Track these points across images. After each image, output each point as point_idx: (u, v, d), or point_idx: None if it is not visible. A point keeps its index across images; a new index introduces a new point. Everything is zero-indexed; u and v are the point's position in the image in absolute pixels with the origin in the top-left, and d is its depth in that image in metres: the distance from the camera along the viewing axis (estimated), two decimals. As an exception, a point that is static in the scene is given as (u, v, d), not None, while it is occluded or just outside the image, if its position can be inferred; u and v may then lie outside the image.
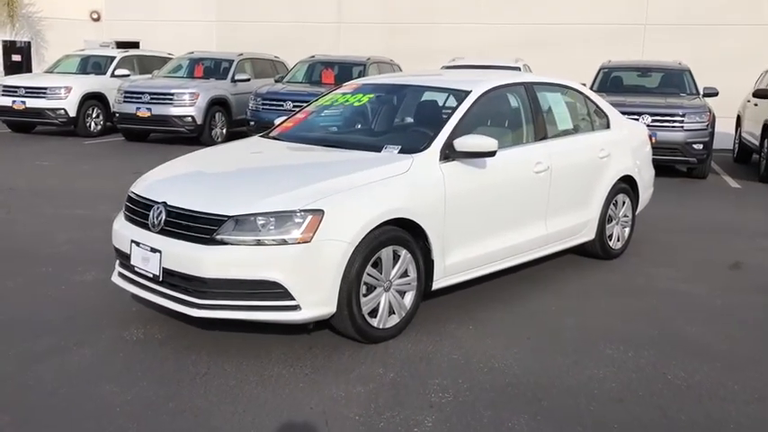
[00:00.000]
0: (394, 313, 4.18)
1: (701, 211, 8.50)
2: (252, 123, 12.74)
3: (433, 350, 4.07)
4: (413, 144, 4.53)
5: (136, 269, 4.11)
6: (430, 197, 4.30)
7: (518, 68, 12.83)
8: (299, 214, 3.78)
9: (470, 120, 4.74)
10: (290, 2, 18.49)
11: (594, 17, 16.24)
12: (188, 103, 13.24)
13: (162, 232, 4.00)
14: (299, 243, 3.74)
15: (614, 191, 5.94)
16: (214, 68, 14.67)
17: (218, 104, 13.69)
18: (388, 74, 6.58)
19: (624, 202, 6.16)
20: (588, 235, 5.78)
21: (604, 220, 5.88)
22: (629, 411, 3.41)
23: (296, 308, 3.78)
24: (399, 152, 4.46)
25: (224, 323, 4.13)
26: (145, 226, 4.12)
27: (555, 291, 5.23)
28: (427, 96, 5.21)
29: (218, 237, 3.79)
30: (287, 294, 3.75)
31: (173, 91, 13.33)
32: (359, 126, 5.30)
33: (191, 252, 3.82)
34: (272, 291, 3.75)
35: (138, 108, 13.31)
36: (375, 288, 4.06)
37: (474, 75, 5.97)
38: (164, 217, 4.01)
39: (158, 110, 13.26)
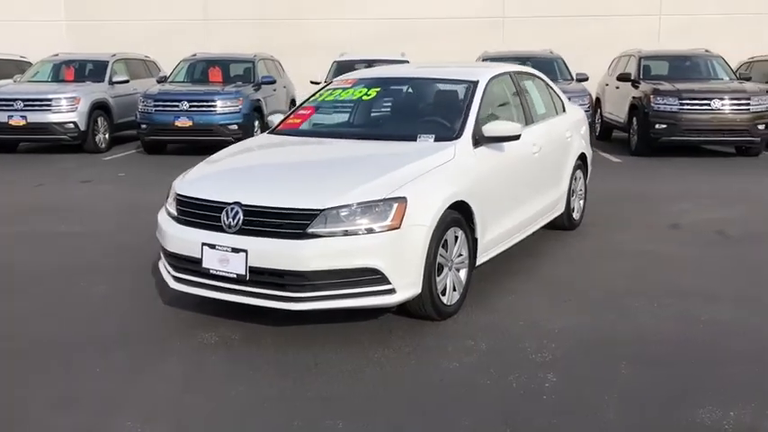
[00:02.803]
0: (455, 290, 4.49)
1: (610, 183, 9.43)
2: (144, 127, 12.21)
3: (498, 320, 4.42)
4: (443, 132, 4.85)
5: (211, 272, 4.07)
6: (472, 180, 4.64)
7: (407, 61, 13.39)
8: (387, 202, 3.98)
9: (483, 107, 5.13)
10: (149, -1, 17.78)
11: (460, 11, 17.14)
12: (68, 109, 12.41)
13: (241, 232, 4.01)
14: (390, 230, 3.94)
15: (575, 167, 6.60)
16: (87, 71, 13.84)
17: (99, 109, 12.96)
18: (378, 68, 6.78)
19: (580, 178, 6.85)
20: (560, 208, 6.39)
21: (570, 194, 6.52)
22: (689, 346, 3.99)
23: (391, 291, 3.97)
24: (435, 140, 4.76)
25: (296, 317, 4.23)
26: (215, 228, 4.09)
27: (554, 260, 5.76)
28: (435, 87, 5.53)
29: (311, 230, 3.89)
30: (384, 279, 3.93)
31: (50, 96, 12.43)
32: (377, 118, 5.49)
33: (285, 248, 3.88)
34: (369, 277, 3.92)
35: (10, 116, 12.28)
36: (443, 268, 4.34)
37: (463, 66, 6.36)
38: (241, 216, 4.02)
39: (35, 117, 12.31)
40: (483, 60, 13.28)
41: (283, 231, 3.94)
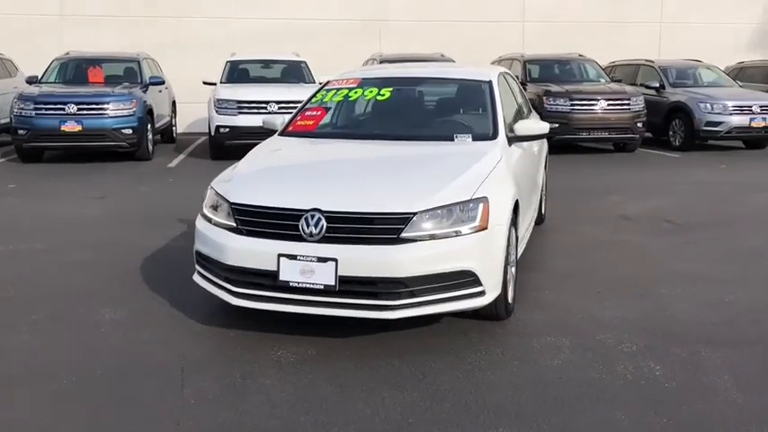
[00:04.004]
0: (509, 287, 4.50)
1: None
2: (22, 132, 10.96)
3: (555, 316, 4.48)
4: (479, 132, 4.85)
5: (291, 285, 3.78)
6: (517, 179, 4.68)
7: (304, 62, 13.19)
8: (474, 203, 3.91)
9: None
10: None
11: (338, 13, 17.08)
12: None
13: (325, 240, 3.76)
14: (480, 230, 3.88)
15: (545, 164, 6.86)
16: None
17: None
18: (380, 66, 6.57)
19: (545, 175, 7.12)
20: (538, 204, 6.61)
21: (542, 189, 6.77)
22: (740, 326, 4.31)
23: (482, 293, 3.91)
24: (473, 140, 4.75)
25: (359, 327, 4.05)
26: (291, 237, 3.80)
27: (548, 253, 5.96)
28: (449, 86, 5.50)
29: (405, 235, 3.74)
30: (476, 281, 3.86)
31: None
32: (403, 118, 5.31)
33: (380, 254, 3.69)
34: (463, 280, 3.83)
35: None
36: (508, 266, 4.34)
37: (459, 66, 6.36)
38: (324, 224, 3.77)
39: None
40: (227, 63, 12.89)
41: (375, 237, 3.75)
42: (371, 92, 5.30)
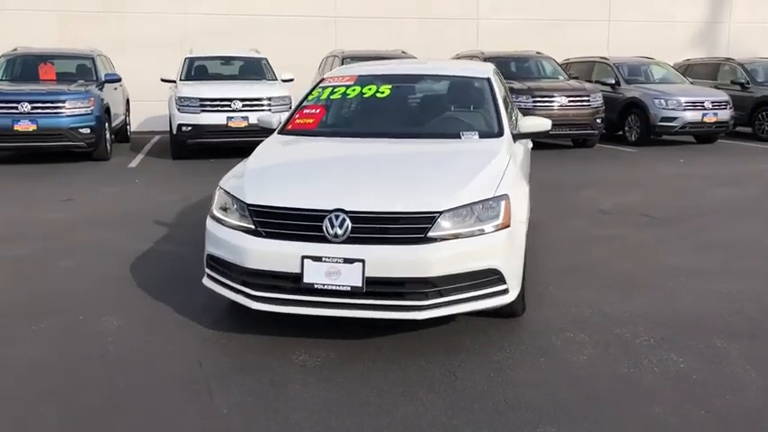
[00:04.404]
0: (522, 285, 4.52)
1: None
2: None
3: (566, 312, 4.51)
4: (484, 129, 4.86)
5: (315, 287, 3.69)
6: (523, 175, 4.70)
7: (265, 59, 13.00)
8: (496, 200, 3.89)
9: (500, 103, 5.21)
10: None
11: (291, 9, 16.87)
12: None
13: (350, 241, 3.69)
14: (503, 228, 3.87)
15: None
16: None
17: None
18: (372, 65, 6.45)
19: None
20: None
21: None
22: (746, 317, 4.43)
23: (506, 291, 3.90)
24: (480, 137, 4.74)
25: (378, 328, 4.00)
26: (315, 239, 3.72)
27: (542, 249, 5.99)
28: (449, 84, 5.47)
29: (432, 234, 3.70)
30: (501, 279, 3.85)
31: None
32: (406, 116, 5.24)
33: (408, 254, 3.65)
34: (489, 278, 3.82)
35: None
36: (521, 263, 4.35)
37: (457, 63, 6.33)
38: (349, 224, 3.69)
39: None
40: (185, 60, 12.62)
41: (401, 237, 3.70)
42: (370, 89, 5.23)
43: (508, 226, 3.89)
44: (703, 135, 13.74)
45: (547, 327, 4.25)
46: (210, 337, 4.12)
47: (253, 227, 3.86)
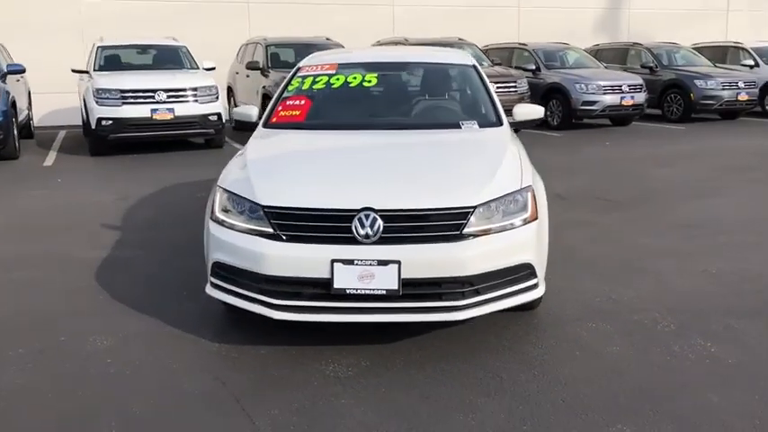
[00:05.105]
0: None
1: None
2: None
3: (574, 301, 4.47)
4: (482, 118, 4.74)
5: (347, 292, 3.43)
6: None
7: (184, 47, 12.38)
8: (522, 193, 3.76)
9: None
10: None
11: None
12: None
13: (383, 241, 3.46)
14: (532, 221, 3.75)
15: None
16: None
17: None
18: (354, 52, 6.09)
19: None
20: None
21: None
22: (747, 295, 4.54)
23: (536, 286, 3.78)
24: (479, 126, 4.60)
25: (398, 331, 3.81)
26: (343, 240, 3.46)
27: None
28: (435, 71, 5.28)
29: (467, 230, 3.52)
30: (533, 273, 3.73)
31: None
32: (400, 105, 4.97)
33: (445, 253, 3.46)
34: (522, 273, 3.69)
35: None
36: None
37: (437, 50, 6.12)
38: (381, 223, 3.46)
39: None
40: (96, 48, 11.73)
41: (436, 235, 3.50)
42: (356, 78, 4.97)
43: (536, 218, 3.77)
44: (620, 118, 14.23)
45: (564, 318, 4.18)
46: (218, 351, 3.79)
47: (271, 230, 3.55)
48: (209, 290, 3.87)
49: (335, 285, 3.43)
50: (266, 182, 3.77)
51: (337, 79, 4.99)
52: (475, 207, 3.55)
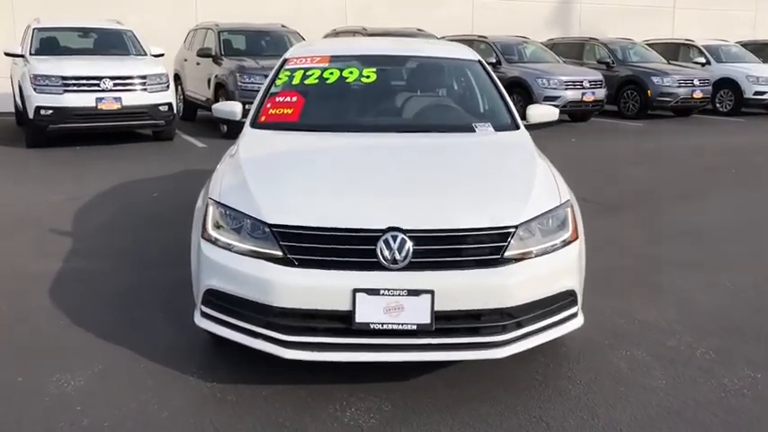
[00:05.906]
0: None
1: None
2: None
3: (596, 322, 4.08)
4: (497, 120, 4.33)
5: (372, 327, 2.93)
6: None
7: (130, 30, 11.55)
8: (562, 210, 3.33)
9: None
10: None
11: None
12: None
13: (412, 266, 2.97)
14: (573, 241, 3.32)
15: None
16: None
17: None
18: (341, 41, 5.50)
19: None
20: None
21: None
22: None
23: (576, 315, 3.36)
24: (495, 130, 4.16)
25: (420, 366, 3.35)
26: (366, 266, 2.95)
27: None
28: (439, 67, 4.79)
29: (508, 254, 3.06)
30: (574, 301, 3.31)
31: None
32: (406, 105, 4.43)
33: (485, 280, 2.99)
34: (564, 302, 3.25)
35: None
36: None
37: (436, 42, 5.59)
38: (410, 246, 2.96)
39: None
40: (31, 29, 10.63)
41: (473, 260, 3.03)
42: (352, 73, 4.43)
43: (577, 238, 3.34)
44: (580, 114, 14.06)
45: (591, 344, 3.77)
46: (212, 392, 3.23)
47: (280, 253, 3.00)
48: (199, 320, 3.30)
49: (357, 319, 2.92)
50: (271, 195, 3.20)
51: (331, 74, 4.44)
52: (517, 226, 3.09)
